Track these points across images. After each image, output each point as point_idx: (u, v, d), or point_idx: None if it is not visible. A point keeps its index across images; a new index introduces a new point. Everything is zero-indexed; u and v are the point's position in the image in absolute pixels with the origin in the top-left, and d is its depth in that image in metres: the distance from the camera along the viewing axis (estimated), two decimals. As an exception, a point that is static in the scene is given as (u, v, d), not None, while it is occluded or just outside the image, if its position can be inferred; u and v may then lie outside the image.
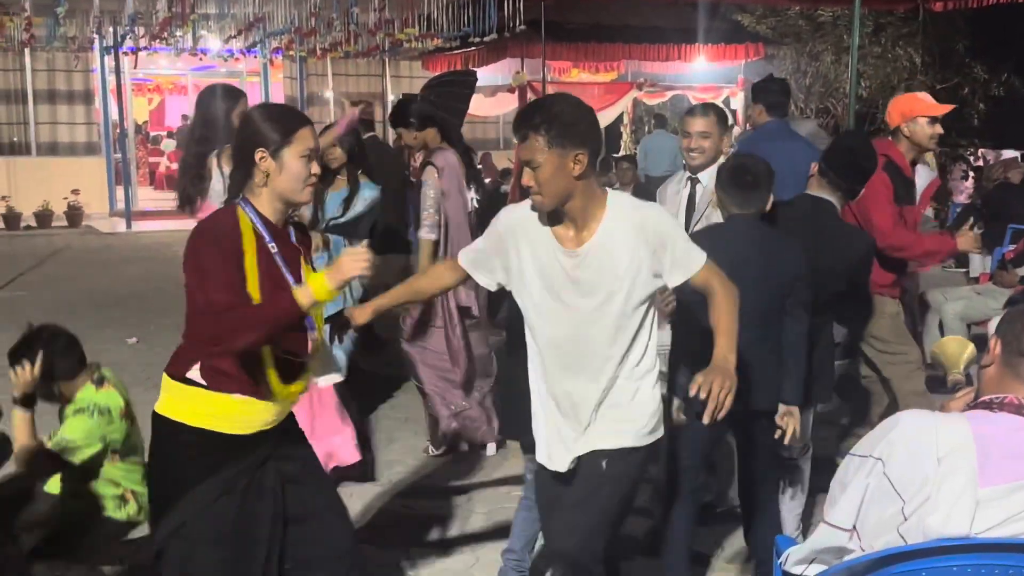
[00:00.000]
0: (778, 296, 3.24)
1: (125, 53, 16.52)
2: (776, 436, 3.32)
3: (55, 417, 3.77)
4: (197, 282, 2.45)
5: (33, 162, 17.62)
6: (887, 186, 4.33)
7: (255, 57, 17.65)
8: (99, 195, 17.27)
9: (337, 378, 4.28)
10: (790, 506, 3.90)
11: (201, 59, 17.36)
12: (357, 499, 4.50)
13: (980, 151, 15.17)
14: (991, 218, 10.69)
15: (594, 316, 2.67)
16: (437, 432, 5.18)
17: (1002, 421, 1.93)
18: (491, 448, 5.22)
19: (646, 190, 9.47)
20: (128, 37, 15.99)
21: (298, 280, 2.57)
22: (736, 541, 4.03)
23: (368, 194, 5.01)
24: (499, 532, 4.02)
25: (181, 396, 2.56)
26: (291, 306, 2.43)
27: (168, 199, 19.97)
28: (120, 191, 17.10)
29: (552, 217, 2.69)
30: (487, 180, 14.50)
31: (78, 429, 3.48)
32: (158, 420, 2.59)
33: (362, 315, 2.88)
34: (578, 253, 2.66)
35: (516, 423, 3.13)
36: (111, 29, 16.01)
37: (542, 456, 2.85)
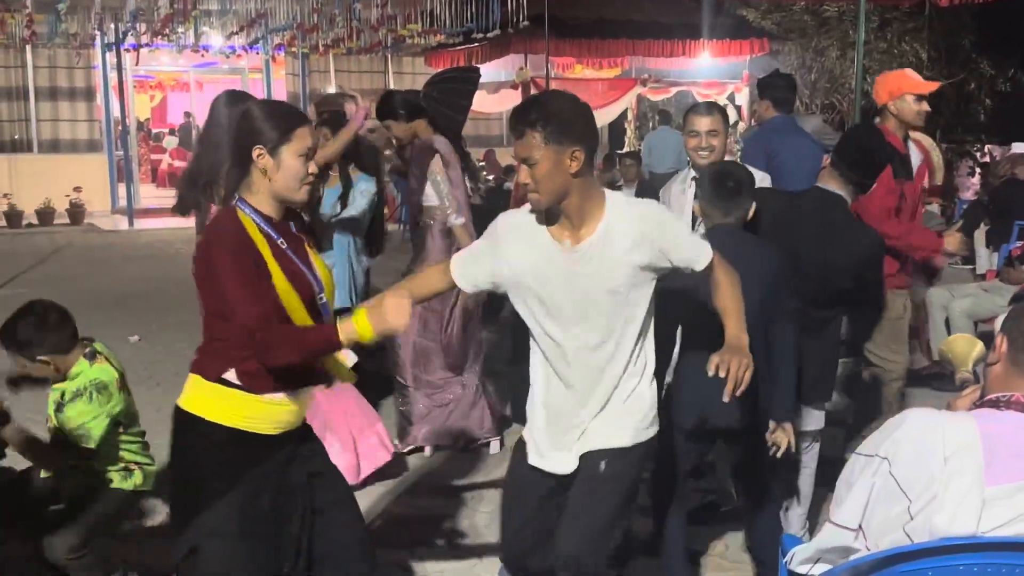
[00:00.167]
0: (760, 307, 3.17)
1: (127, 50, 16.50)
2: (771, 453, 3.31)
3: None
4: (223, 295, 2.45)
5: (35, 159, 17.61)
6: (887, 170, 4.28)
7: (257, 54, 17.63)
8: (101, 193, 17.28)
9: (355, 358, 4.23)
10: (795, 505, 3.87)
11: (203, 56, 17.38)
12: (359, 498, 4.44)
13: (987, 147, 15.12)
14: (998, 214, 10.60)
15: (593, 314, 2.67)
16: (406, 427, 5.10)
17: (1009, 419, 1.92)
18: (494, 445, 5.19)
19: (650, 187, 9.39)
20: (130, 34, 15.98)
21: (310, 270, 2.59)
22: (736, 541, 4.02)
23: (365, 186, 4.96)
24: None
25: (215, 396, 2.56)
26: (332, 339, 2.49)
27: (170, 197, 19.90)
28: (122, 188, 17.09)
29: (549, 216, 2.68)
30: (490, 177, 14.46)
31: (83, 414, 3.41)
32: (186, 417, 2.59)
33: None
34: (577, 251, 2.65)
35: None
36: (113, 25, 15.98)
37: (533, 457, 2.84)
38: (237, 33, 16.15)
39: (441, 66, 16.04)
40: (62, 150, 17.96)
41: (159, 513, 4.26)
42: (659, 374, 2.92)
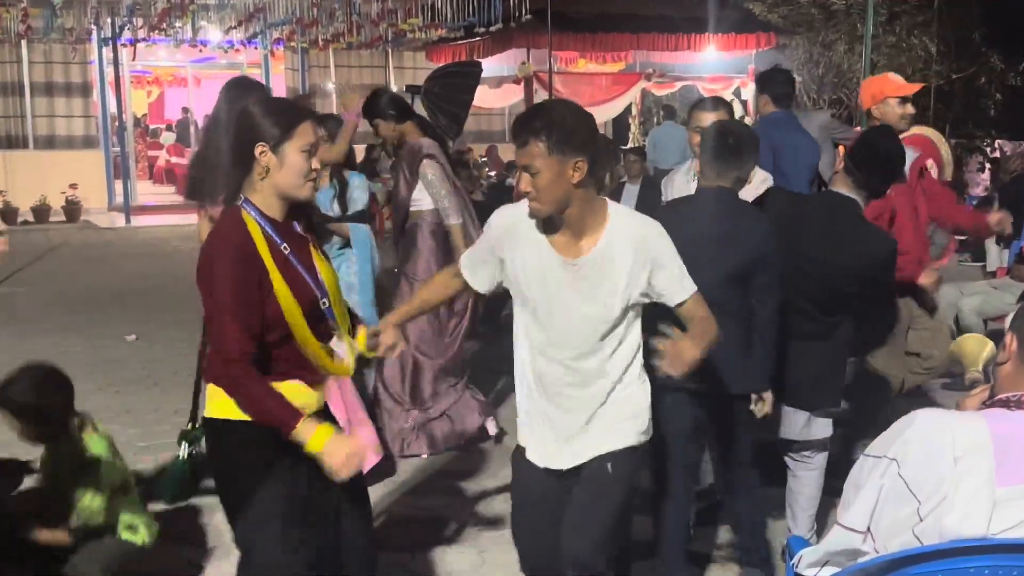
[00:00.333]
0: (743, 274, 3.20)
1: (123, 45, 16.43)
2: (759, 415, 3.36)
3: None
4: (217, 306, 2.47)
5: (30, 156, 17.49)
6: None
7: (256, 48, 17.57)
8: (97, 189, 17.25)
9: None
10: (803, 506, 3.85)
11: (201, 51, 17.30)
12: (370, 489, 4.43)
13: (997, 142, 15.01)
14: (1008, 211, 10.45)
15: (590, 323, 2.69)
16: (402, 440, 5.09)
17: (1020, 419, 1.89)
18: (491, 427, 5.23)
19: (654, 183, 9.20)
20: (126, 28, 15.91)
21: (312, 275, 2.58)
22: (730, 540, 3.99)
23: (359, 181, 4.92)
24: (506, 532, 3.92)
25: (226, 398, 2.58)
26: (289, 425, 2.47)
27: (168, 193, 19.95)
28: (119, 185, 17.06)
29: (548, 224, 2.69)
30: (492, 173, 14.33)
31: (94, 498, 3.38)
32: (214, 424, 2.61)
33: (388, 337, 2.84)
34: (577, 263, 2.67)
35: None
36: (109, 20, 15.91)
37: (532, 454, 2.86)
38: (235, 28, 16.09)
39: (442, 61, 15.92)
40: (58, 146, 17.83)
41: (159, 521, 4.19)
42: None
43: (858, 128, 9.83)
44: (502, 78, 16.31)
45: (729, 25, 15.77)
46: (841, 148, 6.89)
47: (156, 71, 23.29)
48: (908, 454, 1.88)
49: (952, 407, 2.13)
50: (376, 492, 4.54)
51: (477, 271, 2.84)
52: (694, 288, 2.71)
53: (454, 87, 5.51)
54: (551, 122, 2.56)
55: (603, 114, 17.25)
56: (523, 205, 2.70)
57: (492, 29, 14.83)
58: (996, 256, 10.62)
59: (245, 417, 2.55)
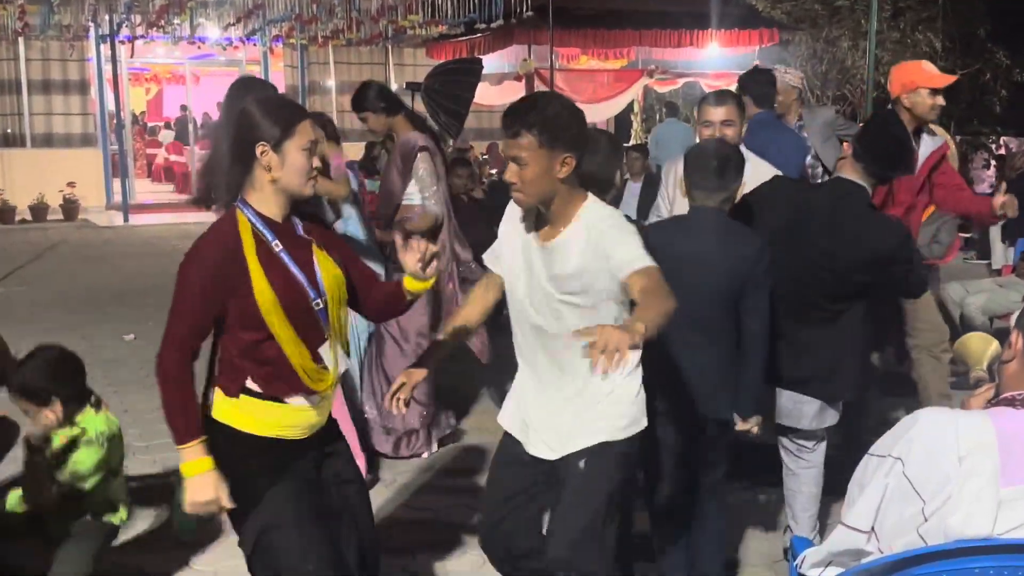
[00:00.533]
0: (732, 295, 3.18)
1: (121, 42, 16.38)
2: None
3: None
4: (173, 298, 2.51)
5: (28, 154, 17.44)
6: None
7: (255, 45, 17.54)
8: (95, 188, 17.20)
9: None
10: (804, 506, 3.82)
11: (199, 48, 17.23)
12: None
13: (1002, 139, 14.96)
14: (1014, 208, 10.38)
15: (563, 310, 2.72)
16: (400, 440, 5.09)
17: None
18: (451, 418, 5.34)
19: (657, 180, 9.12)
20: (124, 25, 15.86)
21: (309, 274, 2.56)
22: (732, 540, 3.99)
23: (353, 211, 4.85)
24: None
25: (241, 408, 2.59)
26: (181, 438, 2.50)
27: (166, 191, 19.91)
28: (117, 184, 17.02)
29: (537, 213, 2.76)
30: (493, 171, 14.23)
31: (89, 460, 3.44)
32: (217, 426, 2.59)
33: (420, 372, 2.90)
34: (545, 249, 2.73)
35: None
36: (107, 17, 15.85)
37: (514, 431, 2.94)
38: (234, 24, 16.03)
39: (443, 57, 15.83)
40: (56, 144, 17.78)
41: (149, 521, 4.31)
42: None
43: (862, 125, 9.78)
44: (503, 75, 16.24)
45: (732, 21, 15.69)
46: (846, 145, 6.84)
47: (154, 68, 23.31)
48: (912, 453, 1.87)
49: (957, 406, 2.12)
50: (376, 492, 4.55)
51: (501, 259, 2.92)
52: (652, 264, 2.60)
53: (455, 84, 5.49)
54: (544, 116, 2.57)
55: (605, 111, 17.18)
56: None
57: (493, 25, 14.79)
58: (1002, 254, 10.59)
59: (247, 427, 2.58)
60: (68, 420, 3.45)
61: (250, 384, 2.57)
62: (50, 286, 10.31)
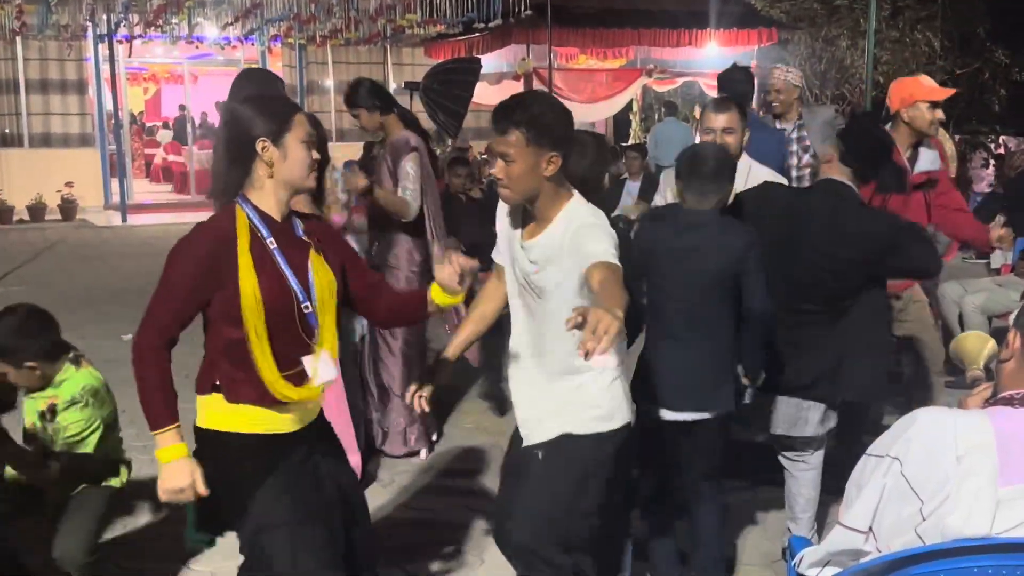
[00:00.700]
0: (724, 287, 3.21)
1: (119, 41, 16.36)
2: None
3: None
4: (158, 285, 2.49)
5: (25, 154, 17.41)
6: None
7: (253, 45, 17.53)
8: (94, 188, 17.15)
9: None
10: (803, 507, 3.81)
11: (197, 47, 17.18)
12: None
13: (1001, 138, 14.94)
14: (1013, 207, 10.42)
15: (541, 307, 2.79)
16: (398, 435, 5.10)
17: (1023, 417, 1.87)
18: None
19: (655, 180, 9.12)
20: (122, 25, 15.80)
21: (301, 277, 2.54)
22: (731, 539, 4.03)
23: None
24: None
25: (215, 407, 2.57)
26: (156, 422, 2.48)
27: (165, 191, 19.88)
28: (115, 184, 17.00)
29: (524, 209, 2.82)
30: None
31: (79, 421, 3.41)
32: (202, 434, 2.60)
33: (447, 375, 3.00)
34: (526, 247, 2.79)
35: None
36: (105, 16, 15.82)
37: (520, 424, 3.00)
38: (232, 24, 16.00)
39: (441, 57, 15.82)
40: (53, 144, 17.76)
41: (151, 515, 4.33)
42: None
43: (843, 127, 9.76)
44: (502, 74, 16.21)
45: (731, 20, 15.68)
46: (830, 148, 6.82)
47: (152, 68, 23.26)
48: (910, 453, 1.86)
49: (955, 406, 2.12)
50: (375, 493, 4.56)
51: (498, 250, 3.00)
52: (617, 263, 2.57)
53: (453, 84, 5.48)
54: (532, 115, 2.63)
55: (604, 110, 17.17)
56: None
57: (491, 25, 14.76)
58: (1000, 253, 10.55)
59: (241, 428, 2.54)
60: (46, 378, 3.39)
61: (217, 383, 2.55)
62: (48, 286, 10.29)
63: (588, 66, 17.54)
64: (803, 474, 3.77)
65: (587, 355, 2.04)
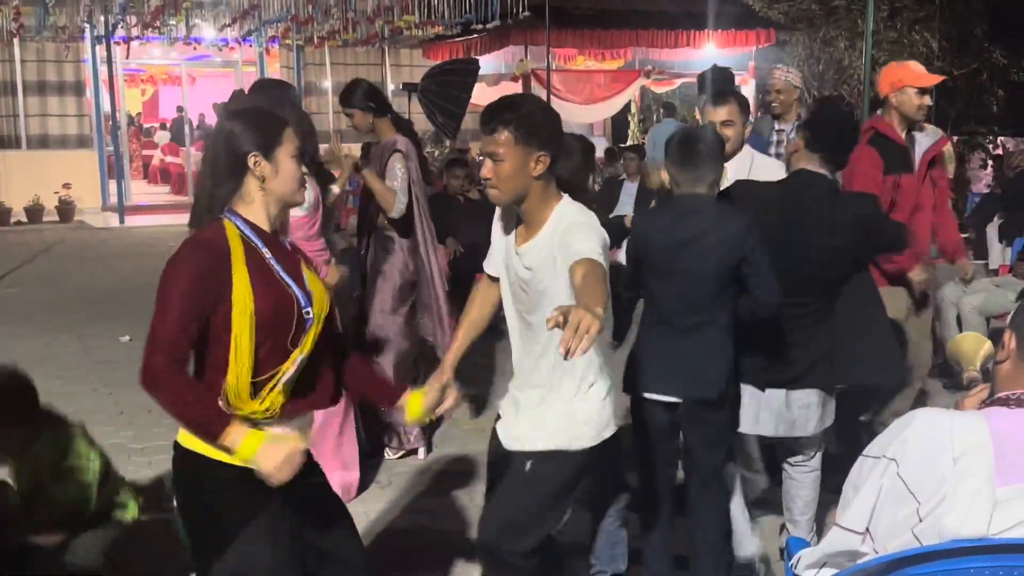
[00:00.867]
0: (727, 276, 3.21)
1: (117, 43, 16.31)
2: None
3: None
4: (157, 302, 2.35)
5: (23, 155, 17.35)
6: (872, 163, 4.36)
7: (251, 46, 17.48)
8: (91, 189, 17.06)
9: None
10: (802, 510, 3.80)
11: (195, 48, 17.13)
12: (358, 503, 4.47)
13: (999, 139, 14.95)
14: (1011, 208, 10.44)
15: (530, 311, 2.81)
16: (396, 433, 5.12)
17: (1019, 418, 1.88)
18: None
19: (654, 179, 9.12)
20: (120, 26, 15.77)
21: (299, 283, 2.49)
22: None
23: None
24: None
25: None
26: (214, 436, 2.33)
27: (162, 193, 19.84)
28: (113, 185, 16.92)
29: (513, 216, 2.86)
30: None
31: (69, 495, 3.37)
32: (185, 453, 2.47)
33: (450, 390, 2.86)
34: (520, 253, 2.81)
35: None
36: (102, 18, 15.78)
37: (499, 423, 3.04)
38: (230, 25, 16.00)
39: (439, 58, 15.81)
40: (51, 146, 17.70)
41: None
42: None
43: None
44: (500, 76, 16.21)
45: (729, 21, 15.66)
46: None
47: (150, 69, 23.21)
48: (907, 454, 1.87)
49: (951, 407, 2.12)
50: (373, 495, 4.59)
51: (490, 259, 3.03)
52: (602, 261, 2.57)
53: (451, 85, 5.48)
54: (520, 114, 2.67)
55: (602, 112, 17.17)
56: None
57: (489, 26, 14.75)
58: (999, 254, 10.58)
59: (219, 456, 2.39)
60: (26, 449, 3.34)
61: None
62: (46, 288, 10.28)
63: (586, 67, 17.53)
64: (804, 476, 3.76)
65: (567, 354, 2.02)
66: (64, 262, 12.22)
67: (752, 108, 15.77)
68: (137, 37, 16.01)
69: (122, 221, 16.08)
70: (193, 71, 20.92)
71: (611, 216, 8.00)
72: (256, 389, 2.42)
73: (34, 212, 16.05)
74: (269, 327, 2.41)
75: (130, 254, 12.84)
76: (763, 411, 3.53)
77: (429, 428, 5.19)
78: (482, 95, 15.01)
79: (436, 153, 14.94)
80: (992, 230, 10.86)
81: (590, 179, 3.39)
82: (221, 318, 2.38)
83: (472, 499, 4.52)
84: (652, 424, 3.35)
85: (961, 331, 5.92)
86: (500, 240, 2.94)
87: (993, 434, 1.83)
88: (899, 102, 4.45)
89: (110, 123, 17.18)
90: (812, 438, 3.67)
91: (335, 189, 4.76)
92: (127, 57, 17.28)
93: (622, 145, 14.61)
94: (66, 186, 16.20)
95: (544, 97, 13.00)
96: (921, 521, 1.82)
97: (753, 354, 3.44)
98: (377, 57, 19.68)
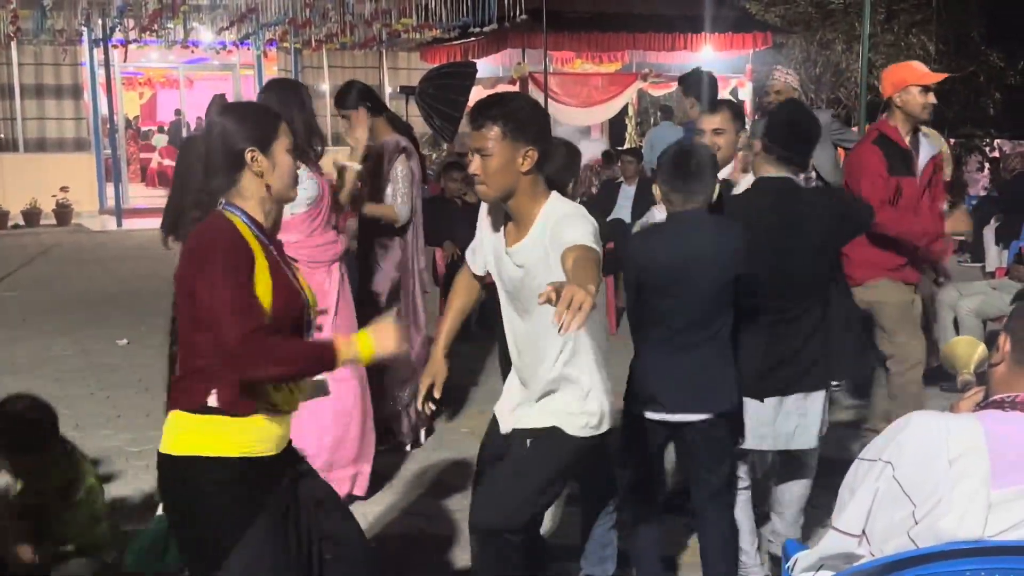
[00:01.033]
0: (725, 290, 3.22)
1: (114, 46, 16.37)
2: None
3: None
4: (208, 298, 2.27)
5: (21, 159, 17.40)
6: (879, 160, 4.35)
7: (248, 49, 17.50)
8: (89, 192, 17.09)
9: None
10: (790, 502, 3.77)
11: (193, 52, 17.15)
12: (354, 505, 4.38)
13: (996, 142, 14.96)
14: (1008, 210, 10.43)
15: (527, 312, 2.83)
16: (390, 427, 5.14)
17: (1015, 420, 1.88)
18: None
19: (651, 183, 9.12)
20: (117, 29, 15.81)
21: (300, 283, 2.52)
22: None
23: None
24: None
25: (208, 427, 2.36)
26: (331, 361, 2.37)
27: (160, 196, 19.79)
28: (110, 188, 16.93)
29: (505, 212, 2.85)
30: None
31: (79, 523, 3.40)
32: (178, 463, 2.38)
33: (442, 371, 3.04)
34: (510, 253, 2.82)
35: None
36: (100, 21, 15.82)
37: (497, 415, 3.07)
38: (227, 28, 16.02)
39: (437, 61, 15.84)
40: (49, 149, 17.78)
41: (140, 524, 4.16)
42: None
43: (856, 128, 9.77)
44: (497, 79, 16.24)
45: (726, 24, 15.71)
46: (840, 150, 6.82)
47: (148, 72, 23.20)
48: (902, 457, 1.87)
49: (947, 410, 2.13)
50: (371, 501, 4.52)
51: (475, 255, 3.05)
52: (595, 247, 2.59)
53: (449, 88, 5.47)
54: (508, 110, 2.70)
55: (600, 115, 17.19)
56: None
57: (487, 29, 14.76)
58: (995, 256, 10.58)
59: (217, 452, 2.34)
60: (40, 473, 3.37)
61: (211, 402, 2.35)
62: (43, 291, 10.25)
63: (584, 70, 17.56)
64: (800, 472, 3.72)
65: (560, 329, 2.06)
66: (62, 265, 12.20)
67: (748, 111, 15.86)
68: (135, 40, 16.04)
69: (119, 224, 16.06)
70: (191, 74, 20.96)
71: (608, 219, 7.97)
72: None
73: (31, 215, 16.05)
74: (284, 324, 2.40)
75: (127, 257, 12.82)
76: (764, 426, 3.49)
77: (418, 424, 5.19)
78: (480, 98, 15.15)
79: (434, 156, 14.94)
80: (989, 233, 10.86)
81: (571, 182, 3.40)
82: None
83: (467, 502, 4.49)
84: (650, 442, 3.34)
85: (958, 334, 5.91)
86: (488, 241, 2.95)
87: (988, 437, 1.83)
88: (903, 102, 4.42)
89: (107, 126, 17.16)
90: (814, 450, 3.64)
91: (341, 198, 4.73)
92: (125, 60, 17.29)
93: (620, 148, 14.61)
94: (63, 189, 16.21)
95: (542, 100, 13.02)
96: (917, 524, 1.82)
97: (751, 365, 3.41)
98: (375, 60, 19.71)
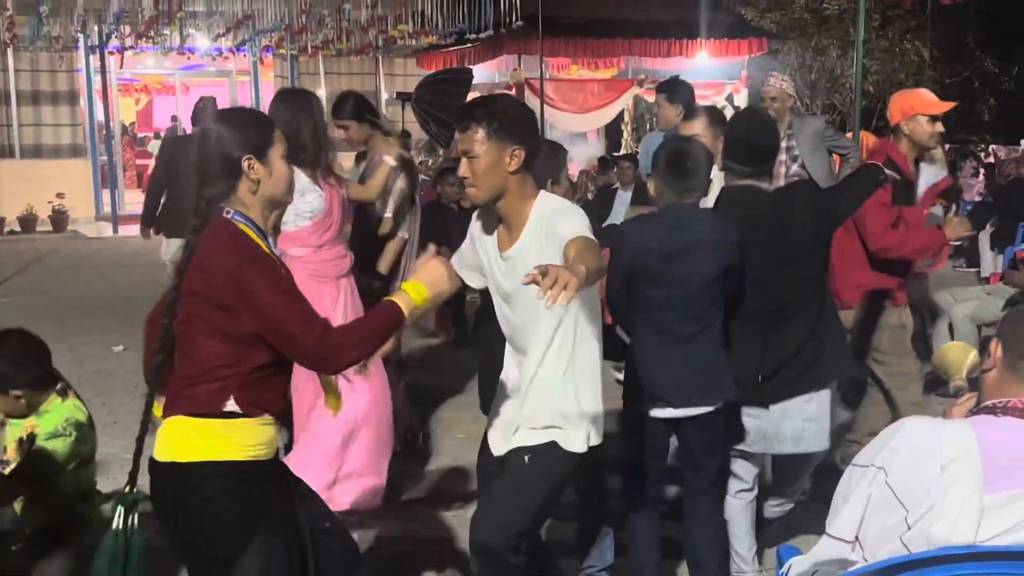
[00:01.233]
0: (716, 284, 3.25)
1: (111, 52, 16.36)
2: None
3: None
4: (265, 311, 2.29)
5: (16, 165, 17.37)
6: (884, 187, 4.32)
7: (245, 56, 17.51)
8: (85, 199, 17.09)
9: None
10: (788, 479, 3.76)
11: (189, 58, 17.16)
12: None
13: (991, 147, 15.00)
14: (1003, 216, 10.44)
15: (523, 318, 2.84)
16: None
17: (1007, 426, 1.91)
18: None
19: (647, 189, 9.12)
20: (114, 36, 15.81)
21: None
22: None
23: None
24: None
25: (216, 433, 2.37)
26: (399, 315, 2.43)
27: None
28: (106, 194, 16.94)
29: (496, 217, 2.85)
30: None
31: (58, 453, 3.32)
32: (181, 471, 2.37)
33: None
34: (505, 259, 2.83)
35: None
36: (96, 28, 15.83)
37: (488, 438, 3.06)
38: (224, 35, 16.02)
39: (433, 67, 15.85)
40: (45, 155, 17.74)
41: None
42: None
43: (850, 134, 9.79)
44: (493, 85, 16.25)
45: (721, 31, 15.75)
46: (836, 157, 6.84)
47: (144, 79, 23.17)
48: (895, 463, 1.88)
49: (939, 416, 2.14)
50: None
51: (464, 270, 3.01)
52: (593, 238, 2.64)
53: (445, 94, 5.47)
54: (494, 111, 2.72)
55: (596, 120, 17.21)
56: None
57: (483, 35, 14.79)
58: (991, 262, 10.58)
59: (223, 456, 2.36)
60: (31, 406, 3.35)
61: (230, 407, 2.36)
62: (39, 297, 10.24)
63: (579, 76, 17.60)
64: (804, 465, 3.70)
65: (548, 302, 2.11)
66: (57, 271, 12.19)
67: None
68: (131, 47, 16.02)
69: (116, 231, 16.00)
70: (187, 80, 20.92)
71: (605, 225, 7.98)
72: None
73: (27, 221, 16.04)
74: None
75: (124, 264, 12.78)
76: (770, 430, 3.49)
77: (407, 425, 5.21)
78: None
79: (430, 162, 14.96)
80: (984, 238, 10.87)
81: (548, 183, 3.41)
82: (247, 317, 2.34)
83: (464, 508, 4.49)
84: (654, 440, 3.36)
85: (953, 339, 5.92)
86: (483, 250, 2.93)
87: (980, 442, 1.84)
88: (911, 130, 4.38)
89: (104, 132, 17.16)
90: (817, 454, 3.61)
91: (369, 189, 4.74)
92: (121, 67, 17.26)
93: (616, 154, 14.62)
94: (60, 195, 16.17)
95: (538, 106, 13.03)
96: (910, 529, 1.83)
97: (752, 371, 3.41)
98: (371, 67, 19.69)
